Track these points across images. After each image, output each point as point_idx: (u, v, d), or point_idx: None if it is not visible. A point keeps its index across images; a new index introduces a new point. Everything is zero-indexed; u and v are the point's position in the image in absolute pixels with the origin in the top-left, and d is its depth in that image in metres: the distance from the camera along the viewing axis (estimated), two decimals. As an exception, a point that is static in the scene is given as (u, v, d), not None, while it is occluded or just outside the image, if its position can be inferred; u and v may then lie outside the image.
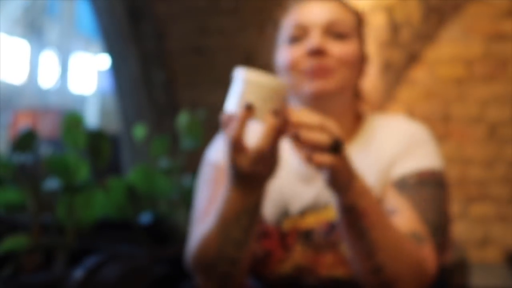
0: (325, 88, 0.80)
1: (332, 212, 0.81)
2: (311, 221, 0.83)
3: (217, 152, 0.87)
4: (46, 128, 7.29)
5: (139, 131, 1.57)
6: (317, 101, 0.81)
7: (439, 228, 0.80)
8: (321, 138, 0.64)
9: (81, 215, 1.05)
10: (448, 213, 0.85)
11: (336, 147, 0.64)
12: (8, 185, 1.07)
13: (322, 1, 0.85)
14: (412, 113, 2.60)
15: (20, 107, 9.56)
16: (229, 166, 0.68)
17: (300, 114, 0.66)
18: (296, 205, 0.83)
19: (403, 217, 0.77)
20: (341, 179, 0.67)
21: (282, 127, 0.65)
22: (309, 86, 0.80)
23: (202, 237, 0.74)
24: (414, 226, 0.77)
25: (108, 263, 0.73)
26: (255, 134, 0.68)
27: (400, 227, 0.74)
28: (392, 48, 2.36)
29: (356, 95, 0.90)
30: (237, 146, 0.66)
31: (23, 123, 7.77)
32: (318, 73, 0.80)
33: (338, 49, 0.81)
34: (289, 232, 0.82)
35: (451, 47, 2.59)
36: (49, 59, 11.29)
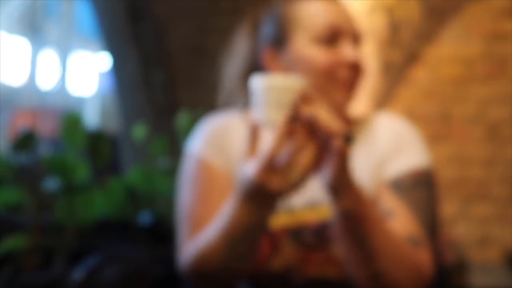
0: (350, 99, 0.81)
1: (323, 211, 0.80)
2: (301, 219, 0.82)
3: (202, 146, 0.83)
4: (46, 128, 7.30)
5: (139, 131, 1.57)
6: (336, 110, 0.79)
7: (433, 229, 0.80)
8: (338, 126, 0.65)
9: (81, 215, 1.05)
10: (439, 213, 0.85)
11: (348, 138, 0.65)
12: (8, 185, 1.07)
13: (337, 3, 0.82)
14: (412, 113, 2.60)
15: (20, 107, 9.56)
16: (244, 180, 0.67)
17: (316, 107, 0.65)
18: (285, 203, 0.80)
19: (400, 219, 0.77)
20: (342, 179, 0.67)
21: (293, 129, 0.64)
22: (341, 96, 0.80)
23: (205, 248, 0.73)
24: (411, 229, 0.77)
25: (108, 263, 0.74)
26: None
27: (397, 230, 0.74)
28: (392, 48, 2.37)
29: None
30: (269, 164, 0.65)
31: (23, 123, 7.78)
32: (349, 86, 0.80)
33: (363, 62, 0.81)
34: (278, 230, 0.81)
35: (451, 47, 2.60)
36: (48, 59, 11.30)
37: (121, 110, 2.31)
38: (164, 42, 2.15)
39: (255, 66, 0.84)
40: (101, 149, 0.95)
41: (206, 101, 2.24)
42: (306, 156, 0.66)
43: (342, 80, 0.79)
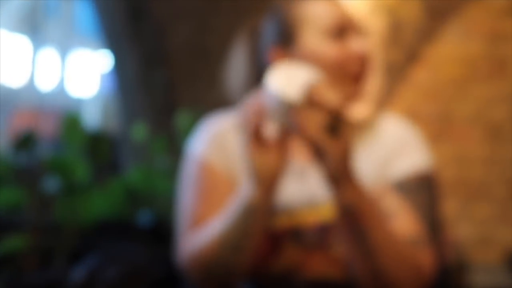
0: (359, 93, 0.81)
1: (324, 211, 0.80)
2: (301, 220, 0.81)
3: (202, 147, 0.82)
4: (46, 128, 7.30)
5: (139, 131, 1.57)
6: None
7: (435, 230, 0.80)
8: (332, 100, 0.63)
9: (81, 215, 1.05)
10: (441, 214, 0.84)
11: (336, 124, 0.64)
12: (8, 185, 1.07)
13: (339, 1, 0.82)
14: (412, 113, 2.60)
15: (20, 108, 9.57)
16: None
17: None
18: (285, 203, 0.81)
19: (402, 220, 0.77)
20: (342, 171, 0.67)
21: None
22: (351, 90, 0.79)
23: (202, 244, 0.72)
24: (412, 229, 0.77)
25: (108, 263, 0.74)
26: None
27: (399, 231, 0.74)
28: (393, 48, 2.37)
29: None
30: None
31: (23, 124, 7.78)
32: (360, 79, 0.80)
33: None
34: (279, 230, 0.80)
35: (451, 47, 2.60)
36: (48, 59, 11.30)
37: (121, 110, 2.31)
38: (164, 42, 2.15)
39: (259, 68, 0.82)
40: (101, 149, 0.95)
41: (206, 101, 2.24)
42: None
43: (352, 73, 0.78)
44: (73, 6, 10.93)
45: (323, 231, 0.79)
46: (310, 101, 0.63)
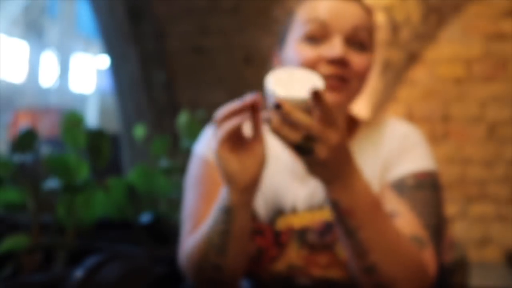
0: (337, 101, 0.77)
1: (328, 212, 0.78)
2: (305, 220, 0.81)
3: (206, 147, 0.84)
4: (46, 128, 7.29)
5: (139, 131, 1.57)
6: None
7: (437, 230, 0.78)
8: (293, 135, 0.61)
9: (81, 215, 1.05)
10: (444, 215, 0.83)
11: (305, 148, 0.62)
12: (8, 185, 1.07)
13: (344, 2, 0.79)
14: (412, 113, 2.61)
15: (20, 107, 9.56)
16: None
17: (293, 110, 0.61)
18: (289, 203, 0.81)
19: (404, 220, 0.75)
20: (321, 171, 0.65)
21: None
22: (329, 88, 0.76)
23: (195, 243, 0.74)
24: (414, 229, 0.75)
25: (108, 263, 0.74)
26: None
27: (400, 230, 0.72)
28: (392, 48, 2.37)
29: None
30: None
31: (23, 123, 7.78)
32: (335, 85, 0.76)
33: (358, 61, 0.77)
34: (283, 230, 0.81)
35: (450, 47, 2.60)
36: (49, 58, 11.29)
37: (121, 110, 2.31)
38: (164, 42, 2.15)
39: None
40: (101, 148, 0.95)
41: (206, 101, 2.24)
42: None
43: (327, 76, 0.76)
44: (73, 6, 10.92)
45: (327, 232, 0.79)
46: (316, 101, 0.60)
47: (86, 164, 1.05)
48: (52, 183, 0.99)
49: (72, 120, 1.01)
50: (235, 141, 0.66)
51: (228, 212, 0.68)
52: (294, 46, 0.79)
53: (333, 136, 0.61)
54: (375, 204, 0.69)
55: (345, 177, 0.66)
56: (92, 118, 10.08)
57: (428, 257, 0.74)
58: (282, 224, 0.81)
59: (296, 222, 0.81)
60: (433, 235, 0.77)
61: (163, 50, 2.15)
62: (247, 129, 0.70)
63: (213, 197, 0.80)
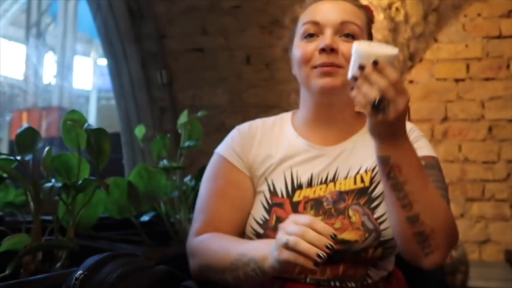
0: (332, 85, 0.90)
1: (339, 184, 0.93)
2: (320, 192, 0.93)
3: (226, 148, 1.01)
4: (46, 127, 7.30)
5: (140, 131, 1.56)
6: (323, 95, 0.93)
7: (448, 202, 0.90)
8: (372, 93, 0.74)
9: (82, 215, 1.05)
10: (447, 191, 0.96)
11: (380, 107, 0.75)
12: (9, 184, 1.07)
13: (335, 2, 0.94)
14: (412, 113, 2.62)
15: (20, 107, 9.56)
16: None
17: None
18: (305, 179, 0.94)
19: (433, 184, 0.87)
20: (382, 130, 0.78)
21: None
22: (317, 82, 0.91)
23: (215, 255, 0.87)
24: (441, 193, 0.87)
25: (108, 262, 0.74)
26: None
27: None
28: None
29: None
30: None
31: (24, 123, 7.79)
32: (327, 70, 0.90)
33: (347, 48, 0.88)
34: (300, 201, 0.92)
35: (450, 47, 2.62)
36: (49, 58, 11.30)
37: (121, 110, 2.32)
38: (164, 42, 2.16)
39: None
40: (103, 147, 0.95)
41: (206, 101, 2.25)
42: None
43: (316, 65, 0.91)
44: (74, 6, 10.93)
45: (340, 199, 0.92)
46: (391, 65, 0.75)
47: (86, 163, 1.06)
48: (53, 183, 0.99)
49: (72, 119, 1.01)
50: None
51: (263, 273, 0.79)
52: (297, 44, 0.95)
53: (402, 102, 0.74)
54: (419, 164, 0.82)
55: (398, 138, 0.79)
56: (92, 117, 10.10)
57: (453, 216, 0.87)
58: (299, 196, 0.93)
59: (312, 194, 0.93)
60: (448, 205, 0.90)
61: (164, 50, 2.17)
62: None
63: (227, 192, 0.96)
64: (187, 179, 1.53)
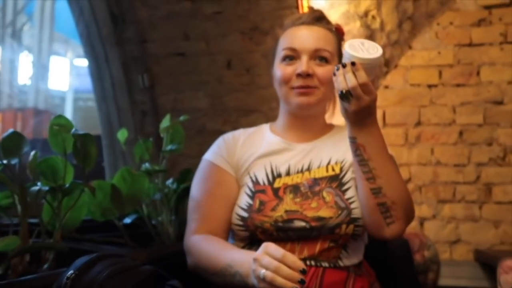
0: (308, 102, 1.07)
1: (314, 172, 1.08)
2: (297, 179, 1.07)
3: (213, 154, 1.14)
4: (24, 128, 7.17)
5: (122, 135, 1.57)
6: (300, 110, 1.10)
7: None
8: (342, 85, 0.89)
9: (67, 217, 1.07)
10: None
11: (345, 97, 0.90)
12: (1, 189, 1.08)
13: (310, 28, 1.10)
14: (387, 117, 2.67)
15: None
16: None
17: None
18: (284, 169, 1.09)
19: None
20: (350, 116, 0.93)
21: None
22: (296, 100, 1.08)
23: (205, 257, 0.99)
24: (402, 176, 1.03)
25: (97, 263, 0.77)
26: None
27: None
28: None
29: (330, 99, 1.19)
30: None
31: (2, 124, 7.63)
32: (303, 91, 1.07)
33: (321, 71, 1.07)
34: (280, 187, 1.06)
35: (424, 54, 2.67)
36: (25, 58, 11.07)
37: (103, 114, 2.31)
38: (146, 47, 2.17)
39: None
40: (90, 151, 0.98)
41: (187, 105, 2.27)
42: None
43: (296, 87, 1.07)
44: (51, 6, 10.74)
45: (315, 184, 1.07)
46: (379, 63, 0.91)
47: (71, 167, 1.08)
48: (39, 186, 1.01)
49: (59, 124, 1.04)
50: None
51: (248, 286, 0.88)
52: (277, 65, 1.12)
53: (365, 99, 0.89)
54: (383, 146, 0.97)
55: (365, 124, 0.93)
56: (68, 117, 9.94)
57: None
58: (279, 183, 1.07)
59: (290, 181, 1.07)
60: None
61: (145, 54, 2.17)
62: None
63: (218, 192, 1.08)
64: (169, 182, 1.55)
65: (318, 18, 1.12)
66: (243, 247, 1.08)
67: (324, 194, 1.04)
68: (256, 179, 1.09)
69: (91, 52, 2.24)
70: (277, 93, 1.14)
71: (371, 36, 2.39)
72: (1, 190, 1.14)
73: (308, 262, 1.01)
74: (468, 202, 2.59)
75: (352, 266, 1.05)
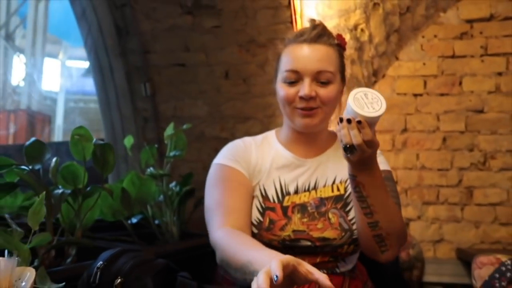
0: (310, 124, 1.08)
1: (320, 191, 1.10)
2: (305, 198, 1.10)
3: (224, 158, 1.13)
4: (15, 129, 7.18)
5: (128, 141, 1.66)
6: (305, 130, 1.11)
7: (400, 208, 1.07)
8: (346, 139, 0.89)
9: (86, 217, 1.18)
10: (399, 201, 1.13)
11: (349, 150, 0.91)
12: (17, 190, 1.19)
13: (312, 47, 1.07)
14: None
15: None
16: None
17: None
18: (292, 188, 1.11)
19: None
20: (351, 162, 0.93)
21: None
22: (300, 121, 1.09)
23: (230, 254, 0.91)
24: (394, 201, 1.04)
25: (121, 255, 0.89)
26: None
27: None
28: (358, 65, 2.50)
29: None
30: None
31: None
32: (307, 113, 1.07)
33: (323, 93, 1.06)
34: (288, 205, 1.08)
35: (410, 65, 2.74)
36: (18, 60, 11.05)
37: (106, 119, 2.38)
38: (148, 58, 2.24)
39: None
40: (108, 159, 1.09)
41: (187, 113, 2.36)
42: None
43: (299, 108, 1.07)
44: (45, 7, 10.74)
45: (321, 204, 1.08)
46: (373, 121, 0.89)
47: (86, 172, 1.19)
48: (62, 189, 1.12)
49: (79, 134, 1.15)
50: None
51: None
52: (280, 85, 1.11)
53: (368, 152, 0.90)
54: (381, 184, 0.97)
55: (365, 164, 0.94)
56: (59, 119, 9.92)
57: (403, 222, 1.05)
58: (288, 202, 1.09)
59: (298, 199, 1.09)
60: (400, 211, 1.07)
61: (148, 65, 2.24)
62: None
63: (236, 190, 1.06)
64: (172, 185, 1.65)
65: (319, 35, 1.08)
66: None
67: (330, 215, 1.07)
68: (266, 194, 1.10)
69: (96, 61, 2.31)
70: (272, 100, 1.16)
71: (360, 48, 2.47)
72: (23, 192, 1.25)
73: None
74: (450, 204, 2.67)
75: (347, 271, 1.12)
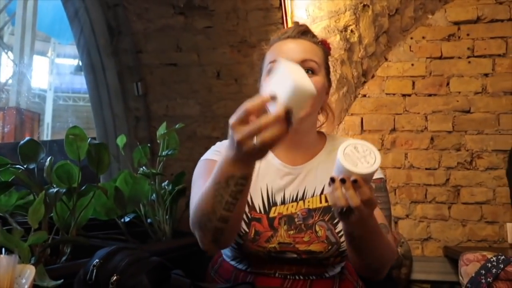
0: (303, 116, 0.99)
1: (308, 202, 1.05)
2: (292, 209, 1.05)
3: (212, 154, 1.09)
4: (8, 128, 7.11)
5: (121, 140, 1.67)
6: None
7: (390, 219, 1.07)
8: (341, 202, 0.80)
9: (80, 216, 1.20)
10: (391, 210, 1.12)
11: (345, 214, 0.82)
12: (12, 189, 1.20)
13: (296, 41, 1.06)
14: (365, 124, 2.77)
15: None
16: (235, 143, 0.76)
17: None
18: (279, 198, 1.06)
19: (376, 212, 0.99)
20: (347, 222, 0.86)
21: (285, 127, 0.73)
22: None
23: (199, 199, 0.88)
24: (381, 219, 1.01)
25: (117, 253, 0.90)
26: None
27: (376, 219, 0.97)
28: (347, 66, 2.53)
29: (322, 110, 1.16)
30: (242, 115, 0.75)
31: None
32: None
33: None
34: (275, 217, 1.04)
35: (398, 66, 2.78)
36: (6, 58, 10.93)
37: (98, 118, 2.38)
38: (140, 57, 2.24)
39: None
40: (103, 159, 1.11)
41: (178, 112, 2.37)
42: (269, 132, 0.73)
43: None
44: (34, 5, 10.64)
45: (308, 216, 1.04)
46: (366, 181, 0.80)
47: (80, 171, 1.20)
48: (57, 188, 1.13)
49: (74, 134, 1.16)
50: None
51: (245, 178, 0.81)
52: (264, 79, 1.07)
53: (367, 212, 0.80)
54: (376, 230, 0.91)
55: (359, 225, 0.86)
56: (48, 117, 9.85)
57: (391, 238, 1.01)
58: (274, 212, 1.05)
59: (285, 210, 1.05)
60: (389, 222, 1.05)
61: (140, 64, 2.25)
62: None
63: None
64: (164, 183, 1.66)
65: (303, 32, 1.07)
66: (232, 260, 1.09)
67: (317, 228, 1.03)
68: (253, 203, 1.06)
69: (89, 61, 2.31)
70: None
71: (350, 49, 2.49)
72: (17, 191, 1.26)
73: (296, 277, 1.04)
74: (438, 203, 2.71)
75: (336, 273, 1.10)
